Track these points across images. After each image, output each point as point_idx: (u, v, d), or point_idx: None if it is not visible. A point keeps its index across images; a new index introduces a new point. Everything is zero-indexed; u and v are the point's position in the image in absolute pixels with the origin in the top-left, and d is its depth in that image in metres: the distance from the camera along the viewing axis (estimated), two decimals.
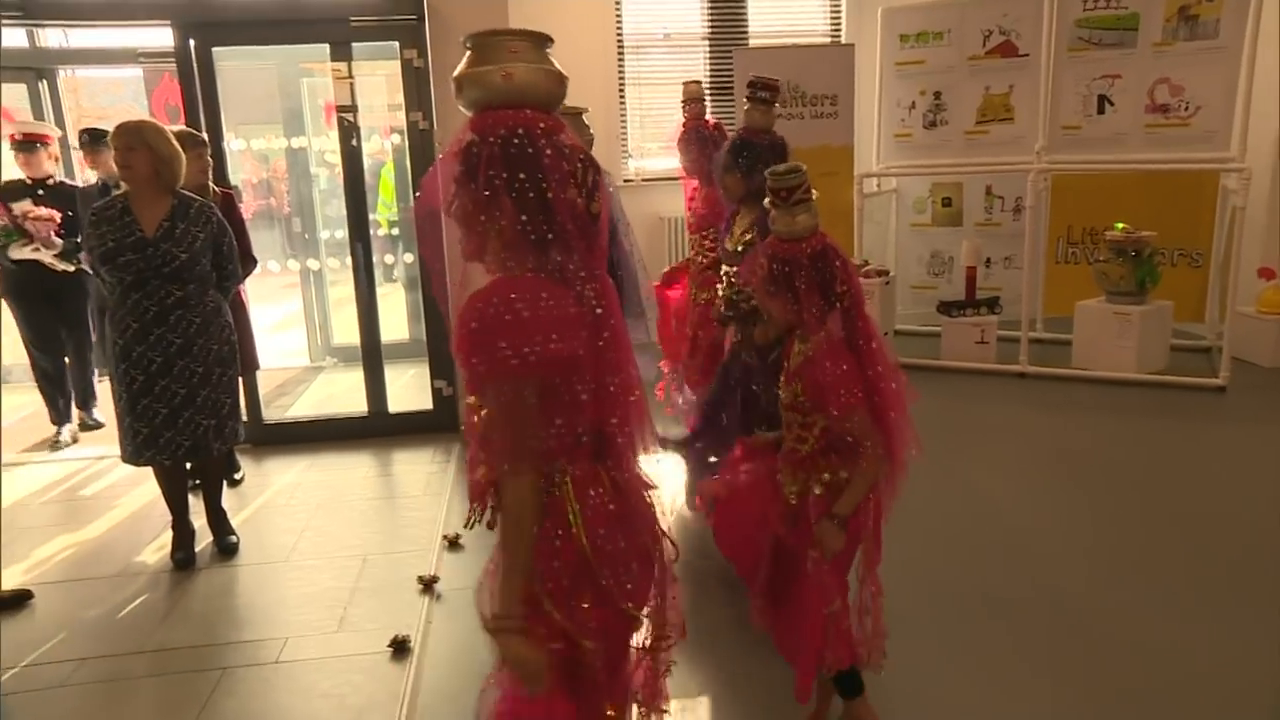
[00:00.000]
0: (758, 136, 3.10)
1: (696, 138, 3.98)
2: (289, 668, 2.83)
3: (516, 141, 1.34)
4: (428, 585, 3.27)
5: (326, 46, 4.56)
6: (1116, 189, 5.83)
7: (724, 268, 3.19)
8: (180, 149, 3.32)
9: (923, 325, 6.39)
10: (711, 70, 6.80)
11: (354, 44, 4.54)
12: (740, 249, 3.04)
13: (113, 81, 12.14)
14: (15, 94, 6.38)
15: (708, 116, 4.17)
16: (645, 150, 6.86)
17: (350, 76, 4.61)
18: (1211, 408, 5.01)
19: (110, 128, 3.34)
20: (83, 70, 8.78)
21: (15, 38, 6.20)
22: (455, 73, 1.39)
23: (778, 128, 3.24)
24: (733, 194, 3.11)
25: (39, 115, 6.15)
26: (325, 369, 6.49)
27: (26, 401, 5.44)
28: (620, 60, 6.67)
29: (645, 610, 1.53)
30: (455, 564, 3.46)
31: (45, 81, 6.16)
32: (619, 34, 6.63)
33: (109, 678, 2.82)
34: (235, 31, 4.49)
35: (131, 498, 4.21)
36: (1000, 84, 6.06)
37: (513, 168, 1.34)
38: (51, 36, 6.33)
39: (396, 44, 4.52)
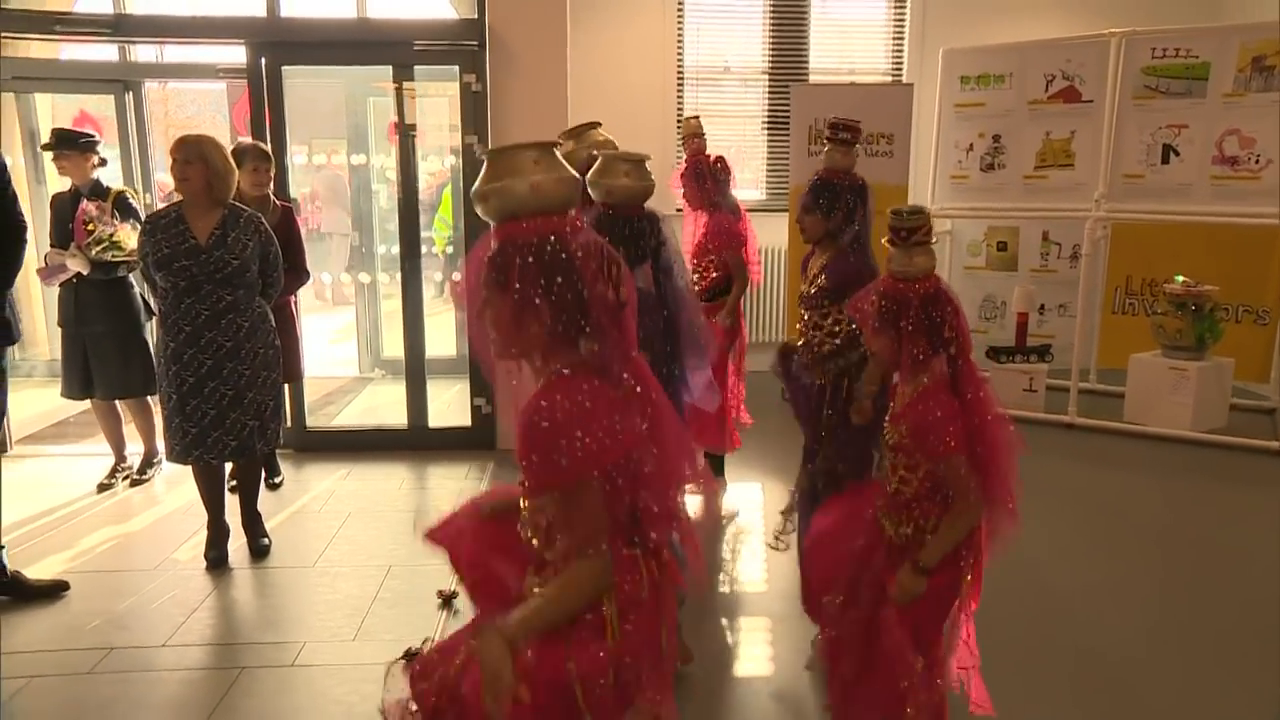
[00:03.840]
0: (838, 177, 3.05)
1: (696, 172, 4.10)
2: (304, 672, 2.89)
3: (550, 249, 1.41)
4: (447, 600, 3.31)
5: (390, 68, 4.70)
6: (1179, 241, 5.68)
7: (801, 310, 3.15)
8: (233, 164, 3.46)
9: None
10: (770, 105, 6.83)
11: (416, 66, 4.67)
12: (814, 290, 3.02)
13: (199, 93, 12.69)
14: (105, 104, 6.70)
15: (708, 151, 4.28)
16: None
17: (411, 97, 4.74)
18: (1270, 472, 4.81)
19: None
20: (172, 83, 9.14)
21: (106, 52, 6.53)
22: (476, 188, 1.47)
23: (819, 162, 3.24)
24: (811, 235, 3.06)
25: (124, 125, 6.44)
26: (374, 380, 6.64)
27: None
28: (680, 93, 6.74)
29: (649, 704, 1.54)
30: None
31: (131, 93, 6.46)
32: (679, 67, 6.71)
33: (133, 668, 2.91)
34: (303, 51, 4.67)
35: (175, 495, 4.35)
36: (1061, 129, 5.97)
37: (549, 273, 1.41)
38: (142, 51, 6.64)
39: (456, 68, 4.65)
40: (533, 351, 1.48)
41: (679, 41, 6.68)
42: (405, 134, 4.78)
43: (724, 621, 3.26)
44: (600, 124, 3.54)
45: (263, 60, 4.58)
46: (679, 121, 6.68)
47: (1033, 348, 5.83)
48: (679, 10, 6.64)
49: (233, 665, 2.91)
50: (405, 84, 4.70)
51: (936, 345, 2.01)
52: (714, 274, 4.20)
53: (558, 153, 1.50)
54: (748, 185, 6.83)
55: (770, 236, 5.71)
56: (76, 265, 4.15)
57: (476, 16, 4.58)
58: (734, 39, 6.83)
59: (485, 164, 1.47)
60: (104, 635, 3.10)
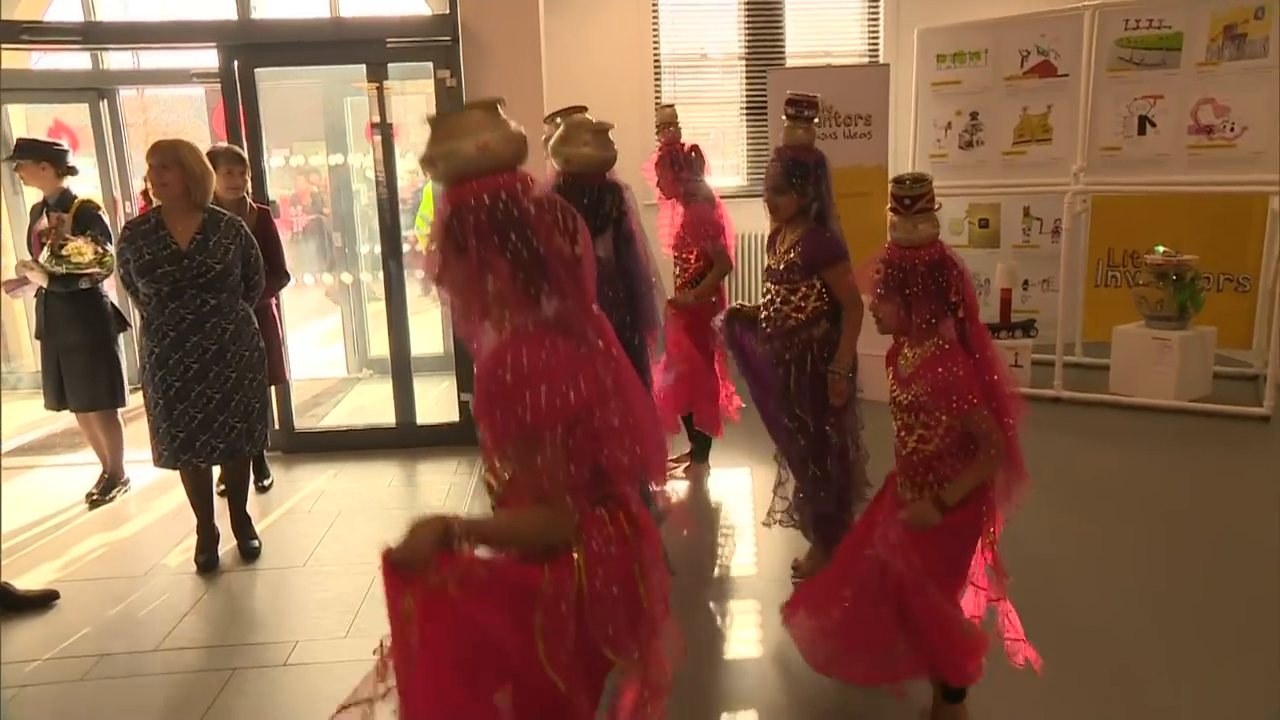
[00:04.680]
0: (803, 154, 3.07)
1: (672, 160, 4.10)
2: (297, 670, 2.90)
3: (503, 206, 1.42)
4: None
5: (364, 67, 4.69)
6: (1158, 211, 5.70)
7: (768, 284, 3.17)
8: (210, 167, 3.45)
9: None
10: (748, 91, 6.83)
11: (390, 64, 4.66)
12: (783, 266, 3.04)
13: (179, 100, 12.62)
14: (79, 114, 6.67)
15: (683, 140, 4.29)
16: None
17: (382, 95, 4.72)
18: (1255, 437, 4.85)
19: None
20: (150, 90, 9.07)
21: (80, 60, 6.50)
22: (423, 154, 1.46)
23: None
24: (784, 213, 3.06)
25: (100, 134, 6.41)
26: (361, 380, 6.63)
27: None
28: (657, 80, 6.73)
29: (628, 657, 1.57)
30: None
31: (106, 101, 6.42)
32: (656, 54, 6.70)
33: (125, 674, 2.92)
34: (276, 53, 4.65)
35: (165, 501, 4.34)
36: (1038, 104, 5.98)
37: (503, 230, 1.41)
38: (116, 59, 6.60)
39: (430, 65, 4.64)
40: (495, 312, 1.47)
41: (654, 29, 6.67)
42: (384, 133, 4.77)
43: (713, 605, 3.28)
44: (587, 108, 3.53)
45: (235, 63, 4.55)
46: (657, 110, 6.68)
47: (1017, 323, 5.85)
48: None
49: (225, 667, 2.91)
50: (380, 83, 4.69)
51: (945, 309, 2.12)
52: (697, 263, 4.21)
53: (501, 110, 1.49)
54: (729, 172, 6.84)
55: (752, 222, 5.70)
56: (35, 278, 4.12)
57: (448, 12, 4.57)
58: (710, 25, 6.83)
59: (431, 128, 1.46)
60: (95, 642, 3.11)
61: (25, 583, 3.46)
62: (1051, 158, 5.91)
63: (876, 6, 6.82)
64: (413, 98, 5.67)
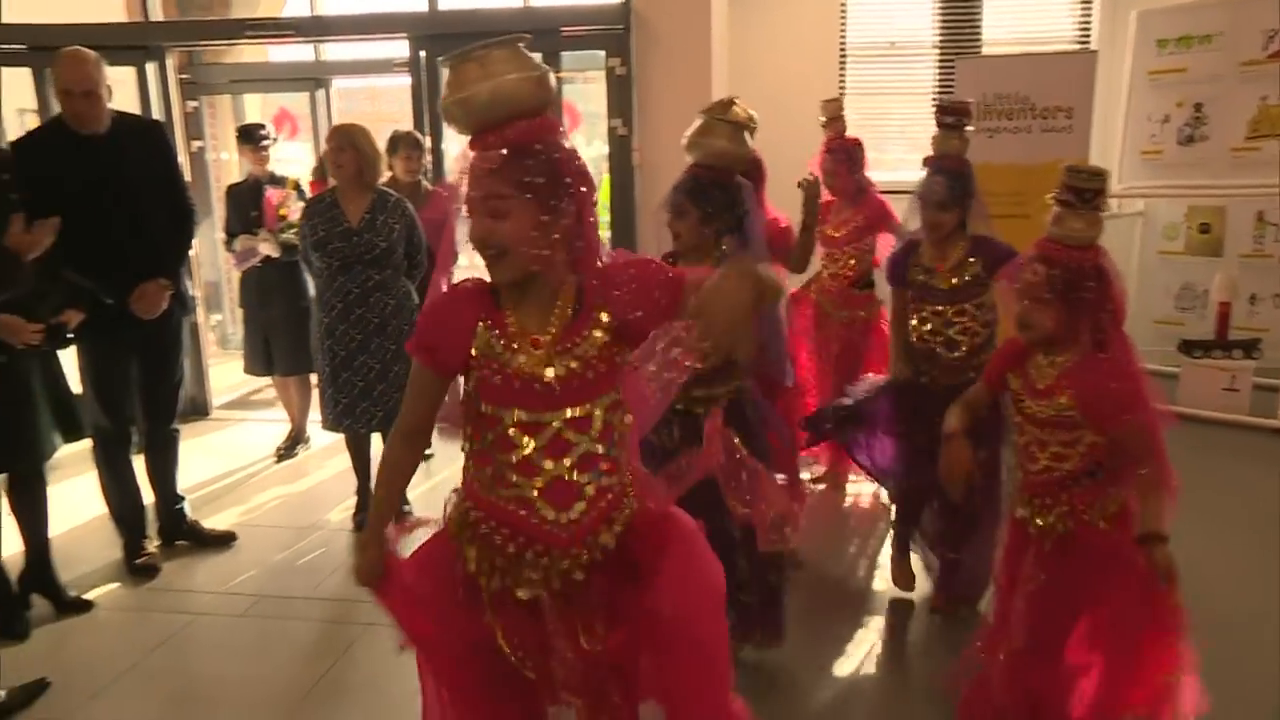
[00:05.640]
0: (963, 166, 2.89)
1: (844, 156, 3.88)
2: None
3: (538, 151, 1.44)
4: None
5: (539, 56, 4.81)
6: None
7: (936, 306, 2.92)
8: (380, 150, 3.66)
9: (1164, 365, 5.68)
10: (940, 81, 6.45)
11: (563, 53, 4.77)
12: (961, 281, 2.84)
13: (400, 89, 13.58)
14: (300, 101, 7.31)
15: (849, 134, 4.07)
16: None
17: (558, 83, 4.84)
18: None
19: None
20: (358, 80, 9.77)
21: (304, 52, 7.11)
22: (440, 103, 1.44)
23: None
24: (945, 229, 2.86)
25: (316, 121, 6.99)
26: None
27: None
28: (842, 70, 6.50)
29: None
30: None
31: (323, 90, 6.99)
32: (842, 43, 6.47)
33: (276, 615, 3.19)
34: (457, 43, 4.82)
35: (336, 461, 4.67)
36: None
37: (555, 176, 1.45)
38: (334, 51, 7.17)
39: (603, 53, 4.70)
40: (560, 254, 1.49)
41: (842, 17, 6.43)
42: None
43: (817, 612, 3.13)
44: (738, 99, 3.44)
45: (421, 54, 4.82)
46: (824, 104, 6.45)
47: (1237, 341, 5.20)
48: None
49: (358, 622, 3.09)
50: (555, 71, 4.80)
51: (1109, 315, 1.95)
52: (855, 266, 4.02)
53: (521, 48, 1.43)
54: (913, 167, 6.50)
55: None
56: (267, 249, 4.53)
57: (623, 1, 4.61)
58: (901, 12, 6.50)
59: (449, 75, 1.43)
60: (258, 583, 3.41)
61: (212, 523, 3.84)
62: None
63: None
64: (590, 86, 5.77)
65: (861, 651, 2.92)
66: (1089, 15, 6.26)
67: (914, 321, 2.95)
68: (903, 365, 2.99)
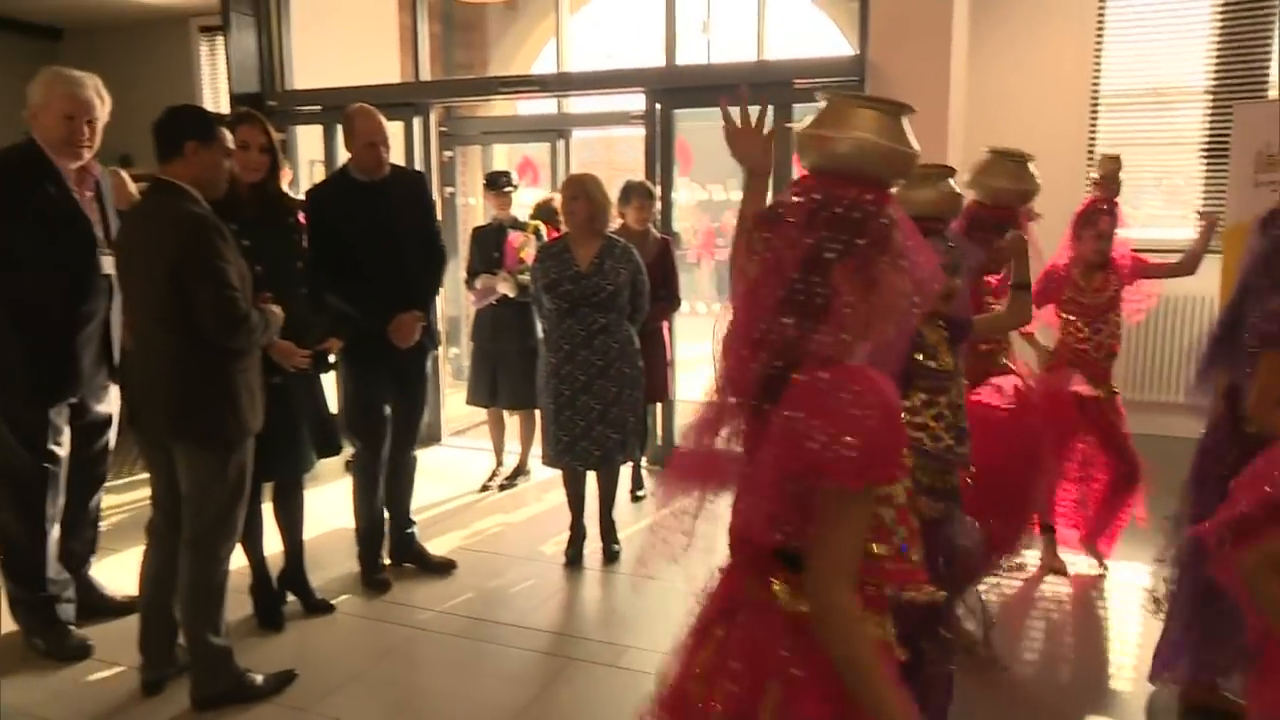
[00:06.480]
0: None
1: (1108, 219, 3.59)
2: (624, 675, 3.07)
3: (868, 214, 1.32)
4: None
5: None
6: None
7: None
8: (610, 199, 3.82)
9: None
10: (1211, 129, 5.87)
11: (794, 105, 4.78)
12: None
13: (635, 139, 14.24)
14: (542, 150, 7.80)
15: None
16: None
17: (787, 135, 4.85)
18: None
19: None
20: (595, 131, 10.30)
21: (548, 105, 7.59)
22: (801, 130, 1.39)
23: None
24: None
25: (555, 169, 7.42)
26: None
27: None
28: (1094, 119, 6.07)
29: None
30: None
31: (564, 140, 7.42)
32: (1095, 90, 6.04)
33: (489, 639, 3.33)
34: (692, 95, 5.01)
35: (553, 495, 4.86)
36: None
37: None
38: (575, 104, 7.60)
39: None
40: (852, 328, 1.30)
41: (1096, 63, 6.02)
42: (780, 172, 4.90)
43: None
44: (955, 172, 3.28)
45: (657, 106, 5.00)
46: (1090, 154, 6.03)
47: None
48: (1099, 26, 5.99)
49: (562, 655, 3.18)
50: (787, 123, 4.83)
51: None
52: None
53: (905, 122, 1.38)
54: (1175, 224, 5.94)
55: (1194, 283, 4.86)
56: (505, 288, 4.83)
57: (858, 52, 4.57)
58: (1167, 56, 5.99)
59: (820, 112, 1.38)
60: (473, 606, 3.59)
61: (436, 546, 4.09)
62: None
63: None
64: None
65: None
66: None
67: None
68: None
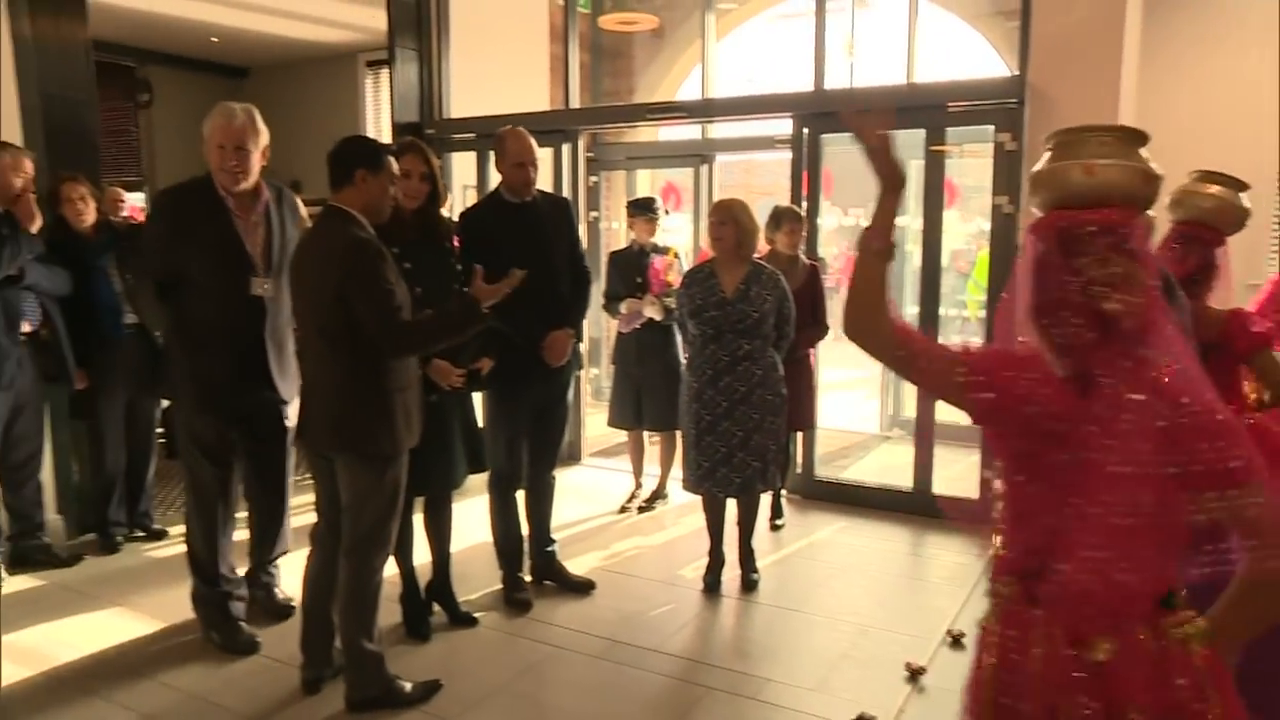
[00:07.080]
0: None
1: None
2: (763, 708, 3.01)
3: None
4: (914, 674, 3.17)
5: (923, 131, 4.71)
6: None
7: None
8: (757, 224, 3.79)
9: None
10: None
11: (948, 128, 4.63)
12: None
13: (778, 163, 14.22)
14: (685, 175, 7.86)
15: None
16: None
17: (941, 158, 4.71)
18: None
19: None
20: (738, 155, 10.29)
21: (692, 131, 7.64)
22: (1033, 170, 1.41)
23: None
24: None
25: (698, 193, 7.45)
26: (890, 439, 6.64)
27: None
28: None
29: None
30: (950, 661, 3.28)
31: (707, 165, 7.46)
32: None
33: (628, 662, 3.33)
34: (839, 120, 4.92)
35: (692, 519, 4.83)
36: None
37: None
38: (718, 129, 7.63)
39: (991, 128, 4.49)
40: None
41: None
42: (931, 197, 4.76)
43: None
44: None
45: (805, 130, 4.95)
46: None
47: None
48: None
49: (701, 684, 3.15)
50: (937, 146, 4.69)
51: None
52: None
53: (1140, 145, 1.37)
54: None
55: None
56: (651, 312, 4.86)
57: (1018, 74, 4.38)
58: None
59: (1048, 150, 1.40)
60: (612, 629, 3.60)
61: (574, 565, 4.13)
62: None
63: None
64: (966, 161, 5.54)
65: None
66: None
67: None
68: None
